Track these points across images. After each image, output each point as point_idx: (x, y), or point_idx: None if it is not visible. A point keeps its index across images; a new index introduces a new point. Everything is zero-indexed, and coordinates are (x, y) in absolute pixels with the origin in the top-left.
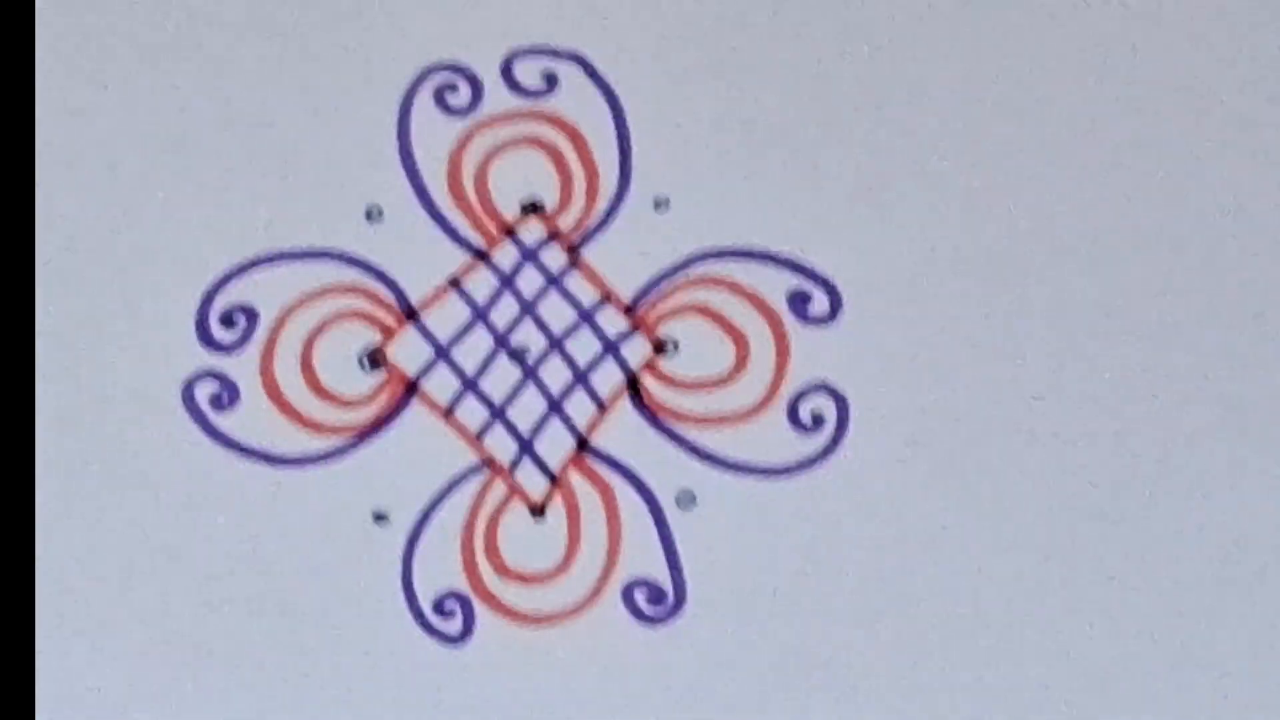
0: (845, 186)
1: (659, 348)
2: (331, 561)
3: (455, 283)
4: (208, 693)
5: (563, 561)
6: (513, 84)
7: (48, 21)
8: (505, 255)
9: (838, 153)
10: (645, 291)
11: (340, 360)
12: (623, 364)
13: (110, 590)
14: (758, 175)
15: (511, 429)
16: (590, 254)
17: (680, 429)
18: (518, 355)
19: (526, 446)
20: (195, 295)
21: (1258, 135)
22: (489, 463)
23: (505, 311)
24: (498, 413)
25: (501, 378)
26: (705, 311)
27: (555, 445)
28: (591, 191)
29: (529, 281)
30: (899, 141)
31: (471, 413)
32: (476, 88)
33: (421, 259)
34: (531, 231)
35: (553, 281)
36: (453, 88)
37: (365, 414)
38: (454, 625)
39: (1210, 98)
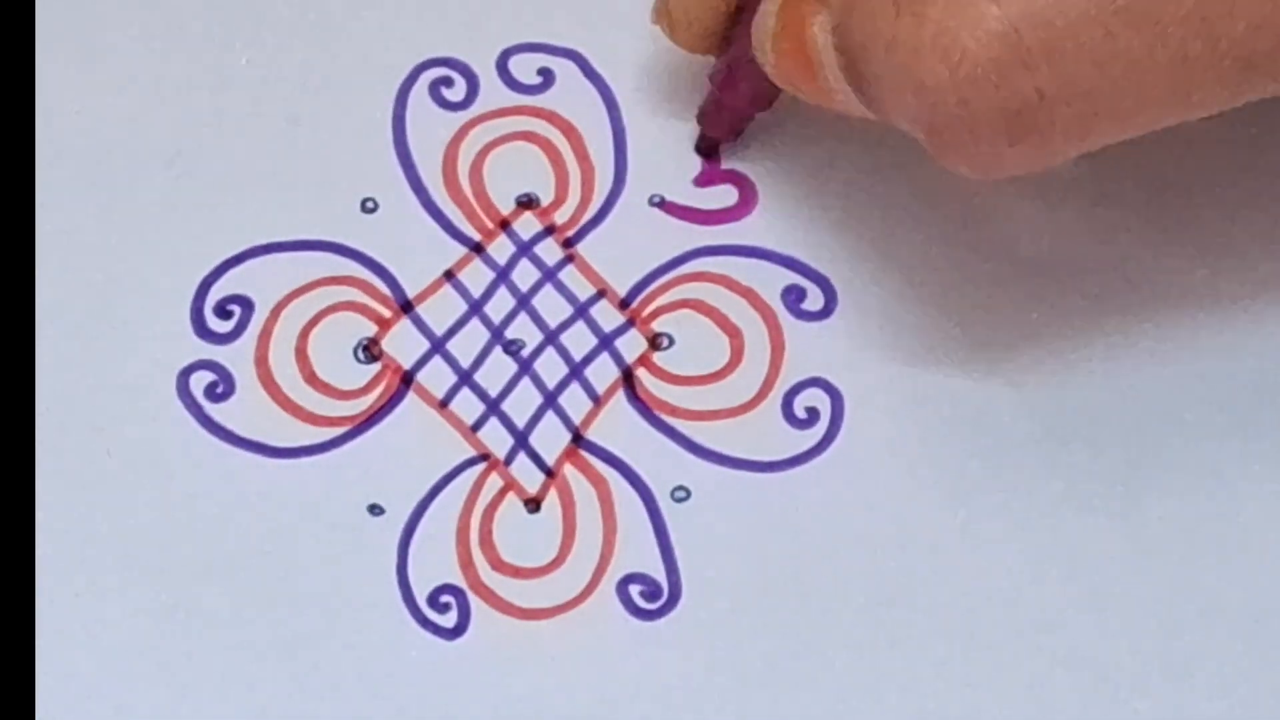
0: (841, 182)
1: (654, 343)
2: (326, 553)
3: (450, 275)
4: (200, 683)
5: (558, 556)
6: (509, 79)
7: (47, 19)
8: (500, 249)
9: (833, 148)
10: (640, 287)
11: (335, 352)
12: (617, 358)
13: (106, 579)
14: (752, 172)
15: (506, 422)
16: (585, 249)
17: (675, 423)
18: (512, 349)
19: (521, 440)
20: (190, 286)
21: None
22: (484, 456)
23: (500, 305)
24: (493, 406)
25: (496, 371)
26: (700, 307)
27: (550, 439)
28: (587, 187)
29: (524, 275)
30: (895, 137)
31: (467, 405)
32: (472, 83)
33: (417, 252)
34: (526, 226)
35: (548, 276)
36: (448, 82)
37: (360, 406)
38: (449, 619)
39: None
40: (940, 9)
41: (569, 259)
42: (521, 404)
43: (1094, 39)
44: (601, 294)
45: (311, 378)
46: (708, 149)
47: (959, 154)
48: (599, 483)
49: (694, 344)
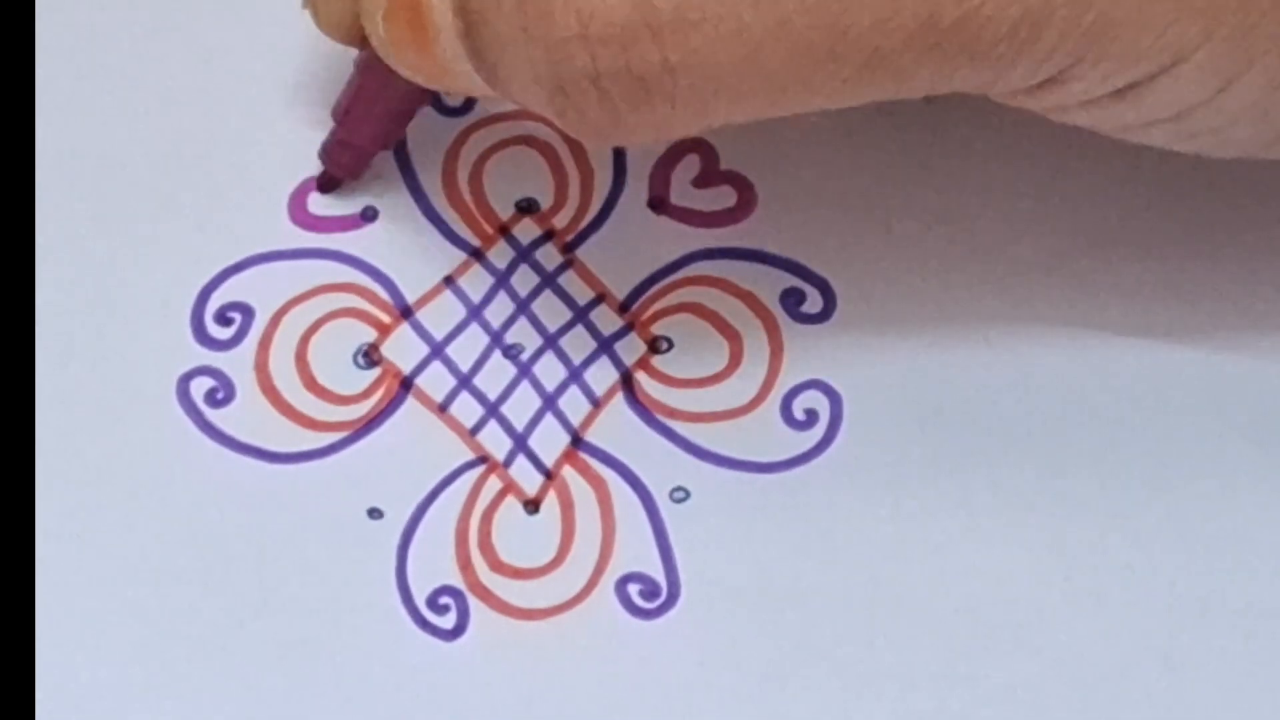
0: (841, 183)
1: (653, 346)
2: (326, 557)
3: (450, 281)
4: (200, 687)
5: (556, 556)
6: None
7: (48, 21)
8: (500, 254)
9: (833, 149)
10: (639, 290)
11: (335, 357)
12: (617, 362)
13: (106, 583)
14: (751, 174)
15: (506, 425)
16: (584, 253)
17: (674, 425)
18: (512, 353)
19: (520, 442)
20: (191, 293)
21: None
22: (483, 458)
23: (500, 310)
24: (492, 409)
25: (496, 375)
26: (699, 310)
27: (549, 441)
28: (586, 191)
29: (523, 280)
30: (895, 139)
31: (466, 409)
32: None
33: (416, 257)
34: (526, 231)
35: (547, 281)
36: None
37: (360, 410)
38: (448, 620)
39: None
40: None
41: (568, 264)
42: (520, 407)
43: (721, 14)
44: (601, 298)
45: (311, 383)
46: (326, 186)
47: (580, 115)
48: (598, 484)
49: (693, 347)
